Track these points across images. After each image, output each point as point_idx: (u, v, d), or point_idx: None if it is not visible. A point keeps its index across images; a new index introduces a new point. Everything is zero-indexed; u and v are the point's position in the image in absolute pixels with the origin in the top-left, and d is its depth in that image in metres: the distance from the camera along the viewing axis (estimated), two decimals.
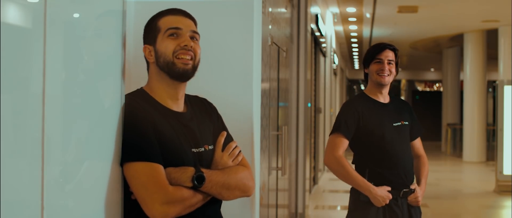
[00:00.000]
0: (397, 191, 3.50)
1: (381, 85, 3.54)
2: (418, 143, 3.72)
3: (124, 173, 2.00)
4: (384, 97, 3.60)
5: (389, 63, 3.50)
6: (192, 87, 2.55)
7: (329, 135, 3.58)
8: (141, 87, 2.20)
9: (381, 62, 3.50)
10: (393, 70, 3.53)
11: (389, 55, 3.52)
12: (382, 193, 3.44)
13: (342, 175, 3.49)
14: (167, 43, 2.10)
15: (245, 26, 2.75)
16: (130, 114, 2.04)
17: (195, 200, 2.04)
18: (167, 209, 1.96)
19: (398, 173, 3.51)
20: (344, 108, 3.59)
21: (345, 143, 3.51)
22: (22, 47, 1.50)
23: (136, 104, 2.07)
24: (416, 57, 23.52)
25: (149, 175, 1.96)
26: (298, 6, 7.37)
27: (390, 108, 3.60)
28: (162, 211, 1.95)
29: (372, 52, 3.54)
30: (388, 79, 3.52)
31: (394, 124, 3.55)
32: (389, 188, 3.47)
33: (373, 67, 3.52)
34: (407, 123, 3.61)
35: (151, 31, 2.17)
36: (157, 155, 2.00)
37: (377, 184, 3.47)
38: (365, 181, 3.45)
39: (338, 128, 3.51)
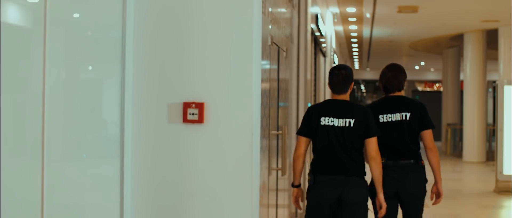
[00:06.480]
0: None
1: None
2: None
3: None
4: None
5: None
6: (193, 87, 2.55)
7: None
8: None
9: None
10: None
11: None
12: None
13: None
14: None
15: (245, 26, 2.75)
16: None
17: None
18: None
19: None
20: None
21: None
22: (22, 47, 1.51)
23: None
24: (416, 57, 23.51)
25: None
26: (298, 6, 7.37)
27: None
28: None
29: None
30: None
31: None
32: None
33: None
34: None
35: None
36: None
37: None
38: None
39: None
